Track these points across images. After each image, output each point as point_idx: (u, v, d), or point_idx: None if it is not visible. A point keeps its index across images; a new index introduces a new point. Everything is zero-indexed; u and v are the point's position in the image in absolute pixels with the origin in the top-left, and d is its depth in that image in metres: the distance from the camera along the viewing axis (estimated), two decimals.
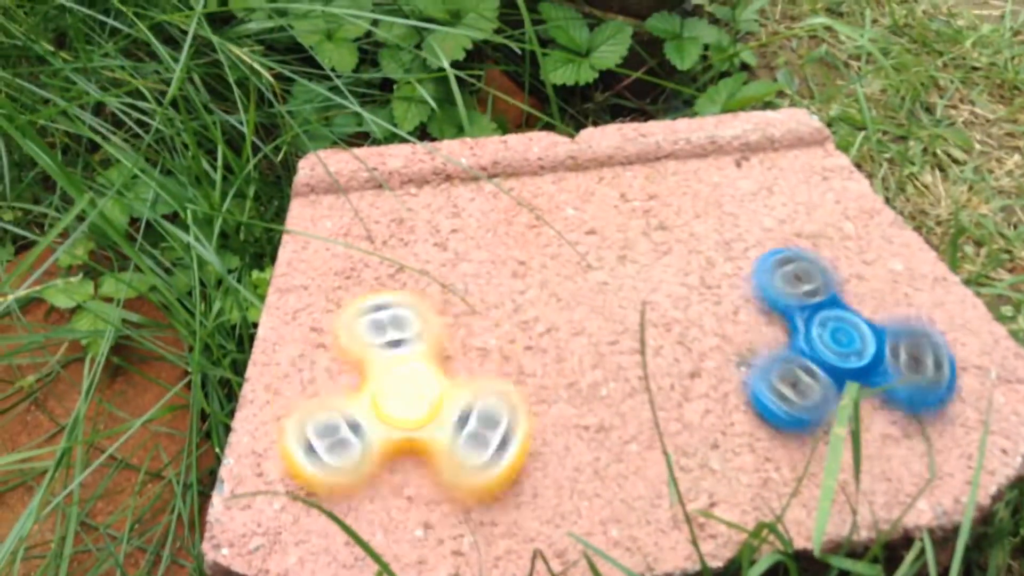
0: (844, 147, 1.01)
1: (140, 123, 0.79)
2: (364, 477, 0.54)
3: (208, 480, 0.67)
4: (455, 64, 0.86)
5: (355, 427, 0.55)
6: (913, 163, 1.02)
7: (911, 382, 0.58)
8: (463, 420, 0.56)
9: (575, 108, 1.04)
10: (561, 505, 0.54)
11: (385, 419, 0.55)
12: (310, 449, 0.54)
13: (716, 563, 0.52)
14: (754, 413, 0.58)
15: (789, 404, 0.57)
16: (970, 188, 1.00)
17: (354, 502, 0.53)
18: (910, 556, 0.51)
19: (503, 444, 0.54)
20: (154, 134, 0.77)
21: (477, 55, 0.96)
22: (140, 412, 0.70)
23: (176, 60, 0.76)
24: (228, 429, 0.57)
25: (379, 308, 0.62)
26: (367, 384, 0.58)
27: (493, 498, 0.54)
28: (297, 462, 0.53)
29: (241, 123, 0.77)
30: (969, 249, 0.93)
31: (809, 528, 0.53)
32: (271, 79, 0.78)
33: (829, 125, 1.05)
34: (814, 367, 0.59)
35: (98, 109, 0.82)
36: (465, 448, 0.54)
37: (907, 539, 0.54)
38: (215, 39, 0.78)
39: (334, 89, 0.82)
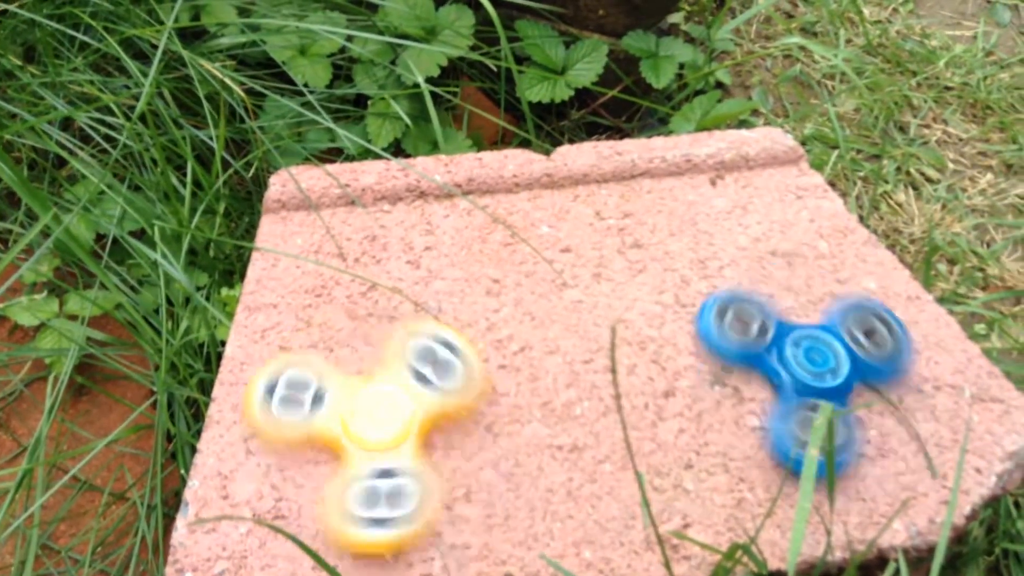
0: (818, 166, 1.01)
1: (108, 138, 0.77)
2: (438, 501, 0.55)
3: (173, 502, 0.66)
4: (430, 80, 0.85)
5: (387, 474, 0.54)
6: (887, 182, 1.02)
7: (884, 358, 0.60)
8: (416, 372, 0.58)
9: (551, 125, 1.04)
10: (534, 527, 0.53)
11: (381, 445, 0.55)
12: (367, 520, 0.52)
13: None
14: (729, 433, 0.58)
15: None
16: (943, 207, 1.00)
17: (322, 526, 0.52)
18: None
19: (460, 359, 0.59)
20: (122, 149, 0.76)
21: (452, 72, 0.95)
22: (104, 432, 0.69)
23: (146, 75, 0.75)
24: (194, 450, 0.56)
25: (271, 388, 0.58)
26: (346, 446, 0.56)
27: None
28: (347, 532, 0.52)
29: (211, 138, 0.76)
30: (943, 267, 0.93)
31: (783, 549, 0.52)
32: (242, 94, 0.77)
33: (803, 144, 1.05)
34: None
35: (66, 124, 0.81)
36: (441, 382, 0.58)
37: (882, 560, 0.53)
38: (186, 54, 0.77)
39: (307, 105, 0.82)
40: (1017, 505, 0.70)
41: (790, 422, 0.56)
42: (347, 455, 0.54)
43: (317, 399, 0.57)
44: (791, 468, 0.55)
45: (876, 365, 0.60)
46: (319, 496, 0.53)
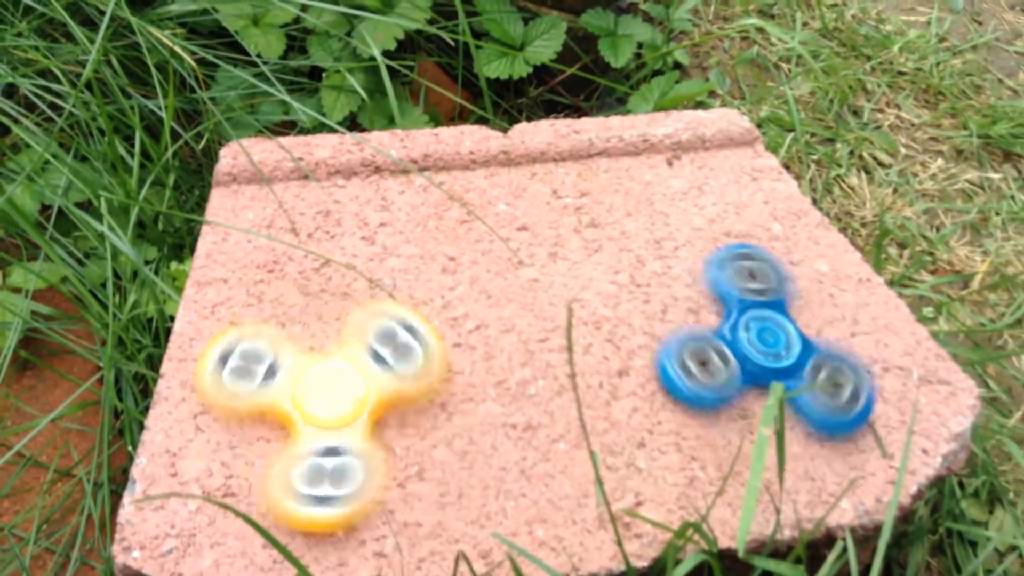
0: (773, 148, 1.02)
1: (53, 106, 0.75)
2: (382, 483, 0.54)
3: (121, 479, 0.65)
4: (387, 54, 0.84)
5: (333, 451, 0.53)
6: (840, 165, 1.03)
7: (822, 403, 0.58)
8: (376, 354, 0.57)
9: (509, 102, 1.03)
10: (487, 505, 0.53)
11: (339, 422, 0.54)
12: (297, 494, 0.51)
13: (641, 563, 0.51)
14: (679, 410, 0.58)
15: (693, 380, 0.57)
16: (895, 191, 1.02)
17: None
18: (832, 555, 0.51)
19: (420, 342, 0.58)
20: (68, 118, 0.74)
21: (409, 45, 0.94)
22: (49, 408, 0.67)
23: (93, 41, 0.73)
24: (142, 427, 0.55)
25: (224, 358, 0.57)
26: (294, 419, 0.55)
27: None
28: (295, 511, 0.51)
29: (161, 108, 0.74)
30: (893, 251, 0.95)
31: (734, 527, 0.53)
32: (193, 64, 0.75)
33: (759, 126, 1.06)
34: (728, 352, 0.59)
35: (9, 91, 0.78)
36: (399, 366, 0.57)
37: (829, 538, 0.54)
38: (134, 20, 0.75)
39: (260, 76, 0.80)
40: (961, 485, 0.72)
41: (684, 348, 0.59)
42: (296, 432, 0.54)
43: (270, 372, 0.56)
44: (664, 386, 0.59)
45: (779, 299, 0.63)
46: (264, 473, 0.53)
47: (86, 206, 0.73)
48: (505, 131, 0.77)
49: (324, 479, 0.51)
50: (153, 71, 0.75)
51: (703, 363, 0.58)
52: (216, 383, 0.56)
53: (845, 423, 0.58)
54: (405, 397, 0.57)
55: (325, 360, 0.57)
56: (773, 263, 0.66)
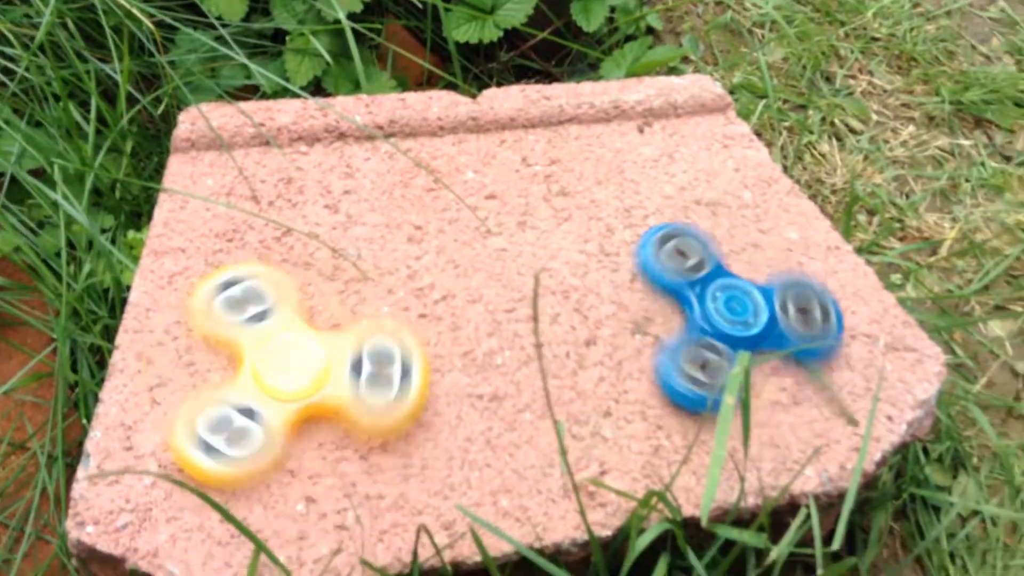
0: (745, 115, 1.01)
1: (6, 70, 0.73)
2: (274, 459, 0.51)
3: (76, 452, 0.64)
4: (352, 16, 0.82)
5: (248, 412, 0.52)
6: (812, 132, 1.03)
7: (804, 336, 0.59)
8: (357, 366, 0.54)
9: (479, 67, 1.01)
10: (451, 476, 0.53)
11: (275, 394, 0.53)
12: (208, 447, 0.50)
13: (605, 532, 0.51)
14: (646, 379, 0.58)
15: (702, 386, 0.56)
16: (865, 158, 1.01)
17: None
18: (796, 522, 0.51)
19: (405, 376, 0.54)
20: (21, 82, 0.72)
21: (377, 8, 0.92)
22: (2, 380, 0.66)
23: (46, 3, 0.71)
24: (97, 399, 0.54)
25: (229, 285, 0.58)
26: (244, 364, 0.54)
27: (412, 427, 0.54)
28: (198, 464, 0.50)
29: (117, 72, 0.72)
30: (862, 218, 0.95)
31: (698, 495, 0.53)
32: (151, 26, 0.73)
33: (732, 92, 1.05)
34: (717, 344, 0.58)
35: None
36: (369, 392, 0.53)
37: (793, 505, 0.54)
38: None
39: (220, 39, 0.78)
40: (925, 451, 0.72)
41: (679, 356, 0.57)
42: (239, 377, 0.54)
43: (259, 316, 0.57)
44: (671, 399, 0.57)
45: (706, 276, 0.62)
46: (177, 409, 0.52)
47: (40, 173, 0.71)
48: (474, 97, 0.75)
49: (224, 433, 0.51)
50: (109, 34, 0.72)
51: (703, 366, 0.57)
52: (207, 305, 0.56)
53: (829, 346, 0.59)
54: (371, 430, 0.54)
55: (304, 331, 0.56)
56: (695, 234, 0.65)
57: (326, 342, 0.55)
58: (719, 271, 0.62)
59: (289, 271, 0.61)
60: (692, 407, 0.56)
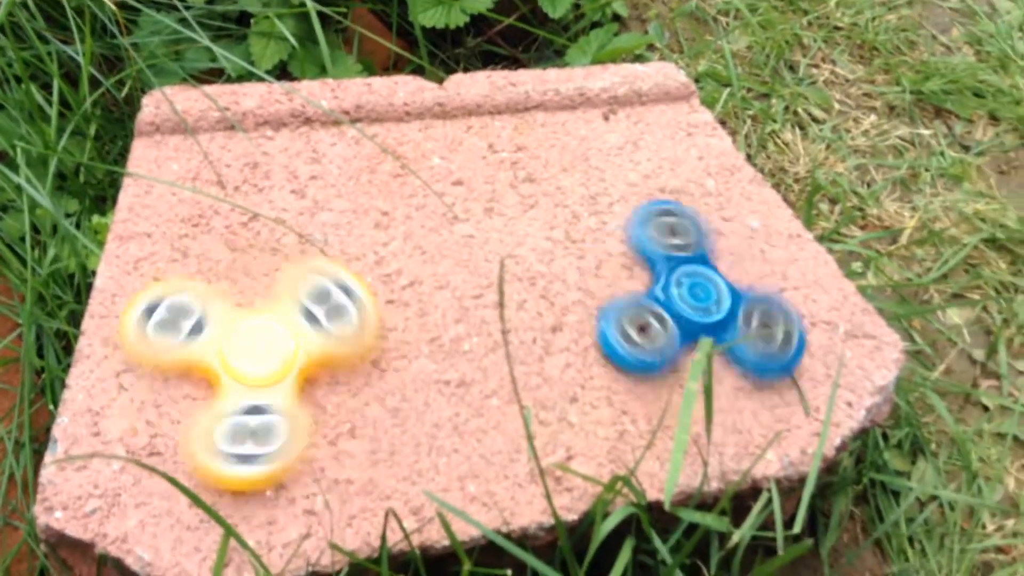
0: (709, 103, 1.02)
1: None
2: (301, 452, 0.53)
3: (44, 438, 0.63)
4: None
5: (256, 410, 0.53)
6: (775, 121, 1.04)
7: (758, 349, 0.59)
8: (308, 314, 0.56)
9: (446, 53, 1.01)
10: (419, 462, 0.53)
11: (263, 380, 0.54)
12: (233, 456, 0.50)
13: (571, 516, 0.52)
14: (612, 366, 0.59)
15: (635, 347, 0.58)
16: (828, 147, 1.03)
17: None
18: (758, 505, 0.52)
19: (350, 296, 0.57)
20: None
21: None
22: None
23: None
24: (64, 385, 0.53)
25: (151, 310, 0.56)
26: (220, 376, 0.54)
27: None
28: (208, 466, 0.50)
29: (79, 54, 0.71)
30: (824, 207, 0.96)
31: (662, 480, 0.54)
32: (114, 7, 0.72)
33: (696, 81, 1.06)
34: (664, 314, 0.59)
35: None
36: (333, 326, 0.56)
37: (755, 490, 0.55)
38: None
39: (184, 21, 0.77)
40: (885, 437, 0.74)
41: (623, 314, 0.59)
42: (223, 389, 0.53)
43: (197, 328, 0.55)
44: (604, 352, 0.59)
45: (700, 253, 0.64)
46: (188, 431, 0.52)
47: (2, 156, 0.70)
48: (441, 82, 0.75)
49: (247, 437, 0.51)
50: (71, 15, 0.71)
51: (642, 329, 0.59)
52: (141, 337, 0.54)
53: (782, 366, 0.59)
54: (337, 358, 0.56)
55: (255, 317, 0.56)
56: (693, 218, 0.66)
57: (271, 314, 0.56)
58: (701, 260, 0.63)
59: (256, 257, 0.61)
60: (623, 365, 0.58)
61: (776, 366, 0.59)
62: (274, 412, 0.52)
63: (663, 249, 0.63)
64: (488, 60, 1.04)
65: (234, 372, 0.53)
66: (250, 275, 0.60)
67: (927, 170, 1.02)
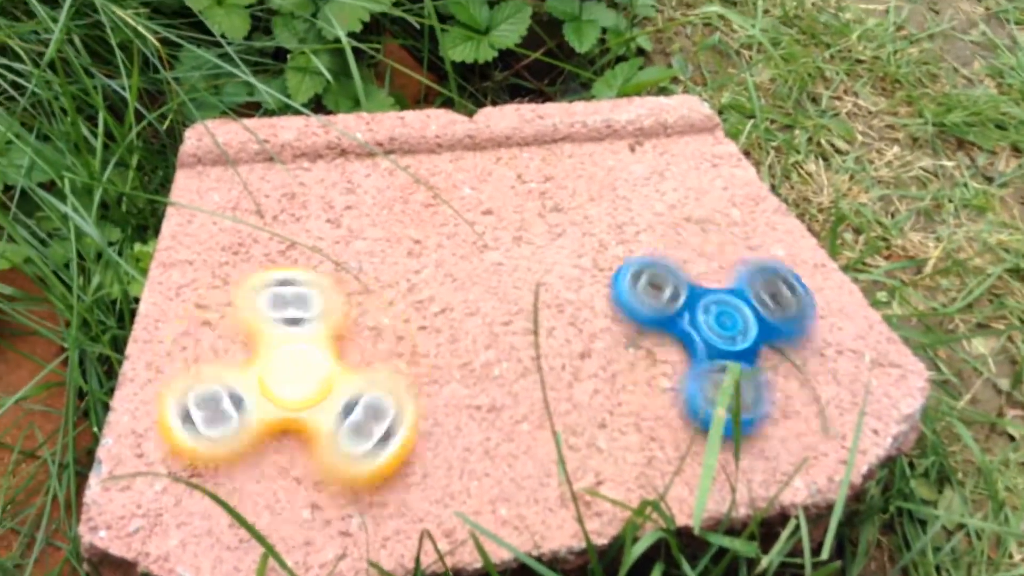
0: (733, 135, 1.03)
1: (15, 85, 0.74)
2: (238, 452, 0.53)
3: (86, 460, 0.65)
4: (352, 36, 0.84)
5: (237, 400, 0.54)
6: (798, 152, 1.05)
7: (785, 319, 0.62)
8: (349, 408, 0.55)
9: (474, 86, 1.03)
10: (451, 485, 0.54)
11: (269, 396, 0.54)
12: (187, 418, 0.53)
13: (601, 540, 0.53)
14: (642, 393, 0.60)
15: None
16: (851, 177, 1.04)
17: (238, 483, 0.52)
18: (785, 532, 0.53)
19: (385, 438, 0.54)
20: (30, 97, 0.73)
21: (375, 27, 0.94)
22: (13, 389, 0.67)
23: (55, 20, 0.72)
24: (107, 408, 0.55)
25: (284, 283, 0.61)
26: (256, 359, 0.56)
27: (369, 488, 0.53)
28: (172, 430, 0.52)
29: (124, 88, 0.74)
30: (848, 236, 0.97)
31: (691, 505, 0.55)
32: (157, 43, 0.75)
33: (720, 112, 1.07)
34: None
35: None
36: (347, 436, 0.54)
37: (783, 516, 0.56)
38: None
39: (224, 56, 0.80)
40: (912, 465, 0.74)
41: (702, 383, 0.59)
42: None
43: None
44: (701, 427, 0.58)
45: (781, 326, 0.63)
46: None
47: (49, 186, 0.72)
48: (470, 115, 0.77)
49: (207, 411, 0.54)
50: (116, 51, 0.74)
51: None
52: (254, 297, 0.59)
53: (807, 321, 0.63)
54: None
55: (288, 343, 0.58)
56: (671, 269, 0.66)
57: (336, 368, 0.57)
58: (694, 292, 0.64)
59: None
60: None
61: (797, 327, 0.63)
62: (243, 413, 0.54)
63: (663, 310, 0.64)
64: (515, 93, 1.07)
65: (276, 398, 0.55)
66: None
67: (950, 201, 1.02)
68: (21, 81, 0.73)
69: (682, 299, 0.63)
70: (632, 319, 0.63)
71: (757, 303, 0.63)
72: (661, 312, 0.63)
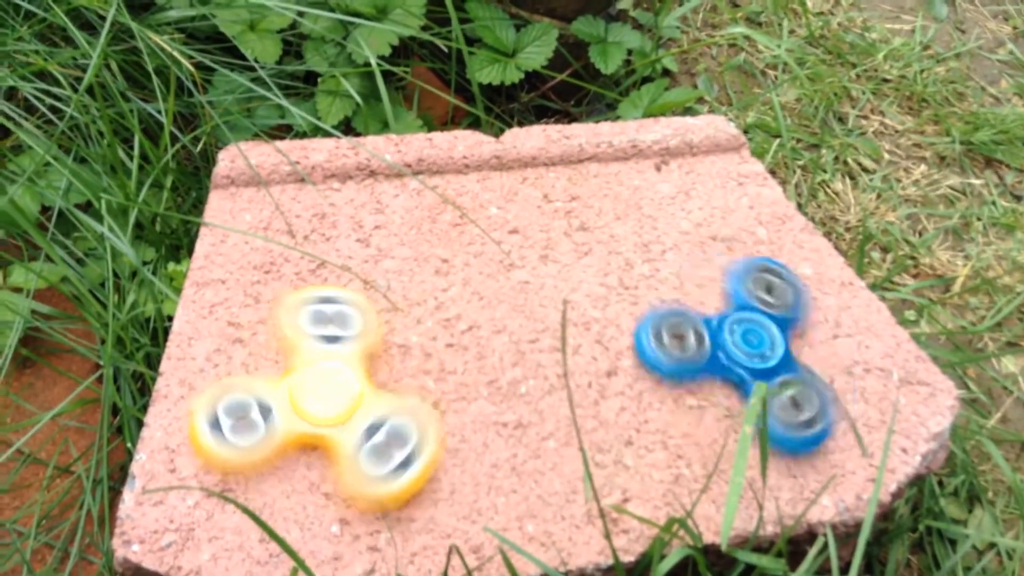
0: (759, 154, 1.04)
1: (54, 109, 0.76)
2: (262, 462, 0.54)
3: (119, 476, 0.66)
4: (381, 59, 0.86)
5: (266, 411, 0.55)
6: (825, 171, 1.05)
7: (786, 306, 0.64)
8: (373, 430, 0.55)
9: (501, 107, 1.04)
10: (478, 501, 0.55)
11: (298, 410, 0.55)
12: (216, 424, 0.54)
13: (628, 557, 0.53)
14: (668, 411, 0.60)
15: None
16: (878, 196, 1.04)
17: (268, 497, 0.53)
18: (813, 550, 0.53)
19: (405, 464, 0.54)
20: (68, 121, 0.75)
21: (403, 51, 0.95)
22: (49, 406, 0.68)
23: (93, 46, 0.74)
24: (140, 424, 0.56)
25: (326, 301, 0.62)
26: (290, 373, 0.57)
27: (385, 510, 0.54)
28: (200, 434, 0.54)
29: (159, 112, 0.76)
30: (876, 255, 0.97)
31: (718, 523, 0.55)
32: (191, 68, 0.76)
33: (746, 132, 1.08)
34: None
35: (10, 94, 0.80)
36: (367, 458, 0.54)
37: (811, 534, 0.56)
38: (134, 25, 0.76)
39: (257, 80, 0.81)
40: (941, 484, 0.74)
41: (772, 406, 0.59)
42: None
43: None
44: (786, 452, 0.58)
45: (789, 316, 0.64)
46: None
47: (86, 207, 0.74)
48: (497, 136, 0.78)
49: (234, 419, 0.55)
50: (152, 75, 0.76)
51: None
52: (296, 312, 0.60)
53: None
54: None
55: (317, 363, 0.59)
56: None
57: (367, 389, 0.58)
58: (712, 326, 0.64)
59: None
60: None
61: (799, 312, 0.64)
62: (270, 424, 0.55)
63: (754, 300, 0.65)
64: (541, 114, 1.08)
65: (307, 414, 0.55)
66: None
67: (979, 219, 1.02)
68: (60, 105, 0.75)
69: (707, 341, 0.63)
70: (672, 378, 0.62)
71: (758, 303, 0.63)
72: (695, 361, 0.62)
